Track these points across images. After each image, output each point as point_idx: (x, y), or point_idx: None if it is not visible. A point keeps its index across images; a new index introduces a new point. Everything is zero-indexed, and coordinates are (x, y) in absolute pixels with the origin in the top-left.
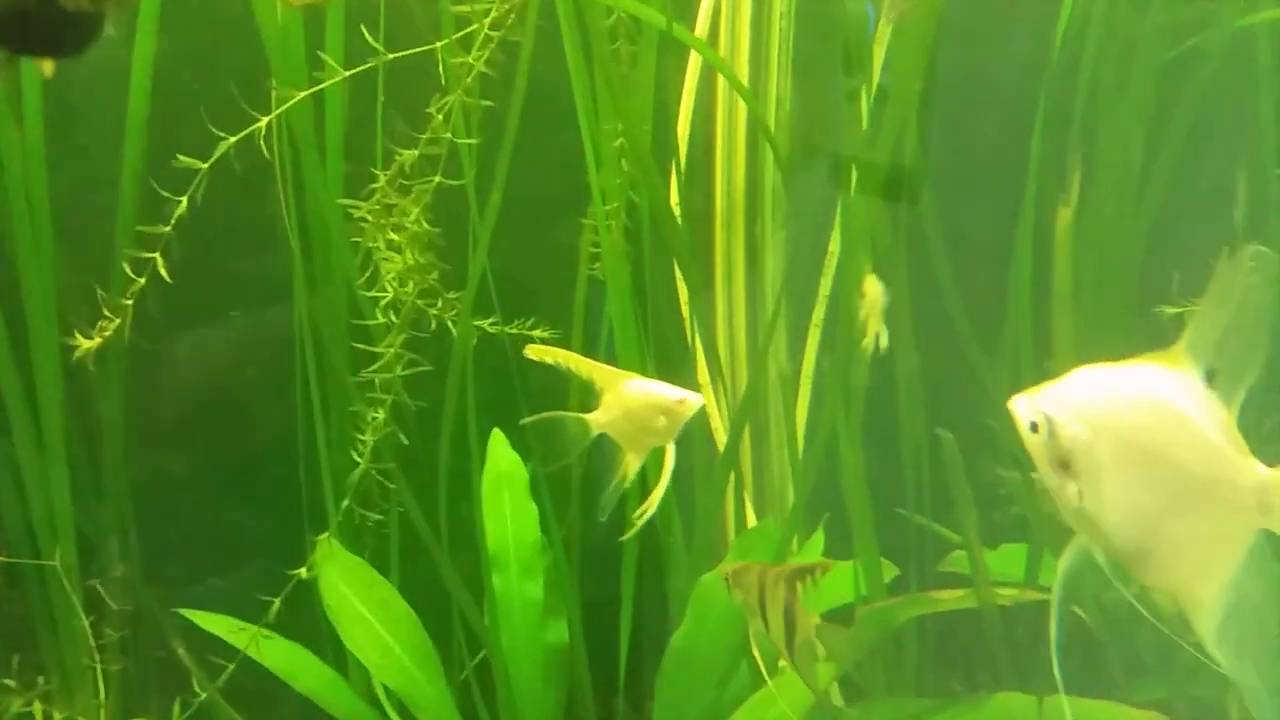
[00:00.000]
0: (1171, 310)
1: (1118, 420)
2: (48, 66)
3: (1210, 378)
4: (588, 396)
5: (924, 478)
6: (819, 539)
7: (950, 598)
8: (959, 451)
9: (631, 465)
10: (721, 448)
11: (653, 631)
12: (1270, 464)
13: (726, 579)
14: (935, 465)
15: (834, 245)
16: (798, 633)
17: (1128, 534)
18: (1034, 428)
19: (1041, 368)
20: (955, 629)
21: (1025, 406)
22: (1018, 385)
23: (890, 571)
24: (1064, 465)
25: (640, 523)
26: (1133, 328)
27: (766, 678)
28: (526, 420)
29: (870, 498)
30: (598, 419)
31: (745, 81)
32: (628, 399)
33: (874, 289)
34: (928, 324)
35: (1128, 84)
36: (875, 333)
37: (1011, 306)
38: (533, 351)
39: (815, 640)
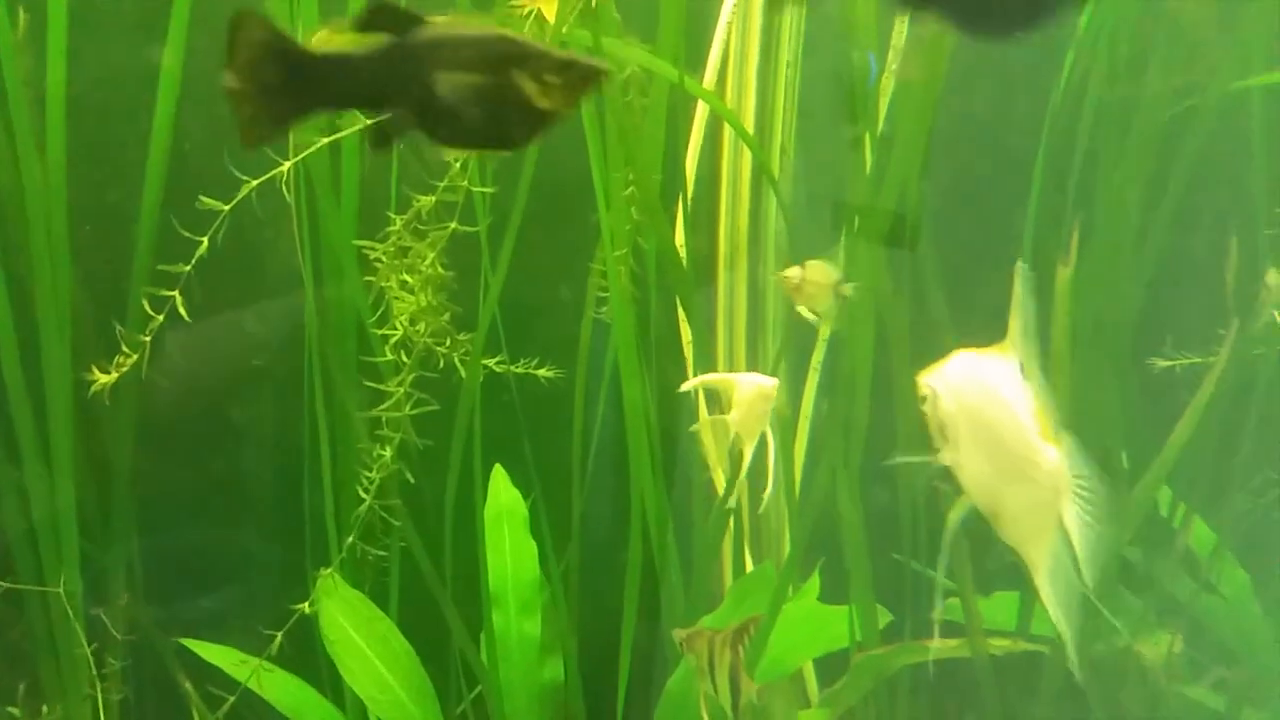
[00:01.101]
0: (1163, 363)
1: (971, 400)
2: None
3: (1022, 369)
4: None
5: (919, 522)
6: (814, 583)
7: (945, 647)
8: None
9: (748, 452)
10: (720, 490)
11: (646, 673)
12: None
13: (680, 643)
14: (931, 510)
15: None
16: (741, 695)
17: (981, 497)
18: (924, 399)
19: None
20: (949, 675)
21: (923, 381)
22: None
23: (885, 617)
24: (942, 433)
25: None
26: (1127, 382)
27: None
28: (693, 427)
29: (867, 543)
30: (731, 417)
31: (751, 128)
32: (740, 394)
33: (823, 274)
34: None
35: (1125, 144)
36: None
37: None
38: (689, 385)
39: (757, 703)
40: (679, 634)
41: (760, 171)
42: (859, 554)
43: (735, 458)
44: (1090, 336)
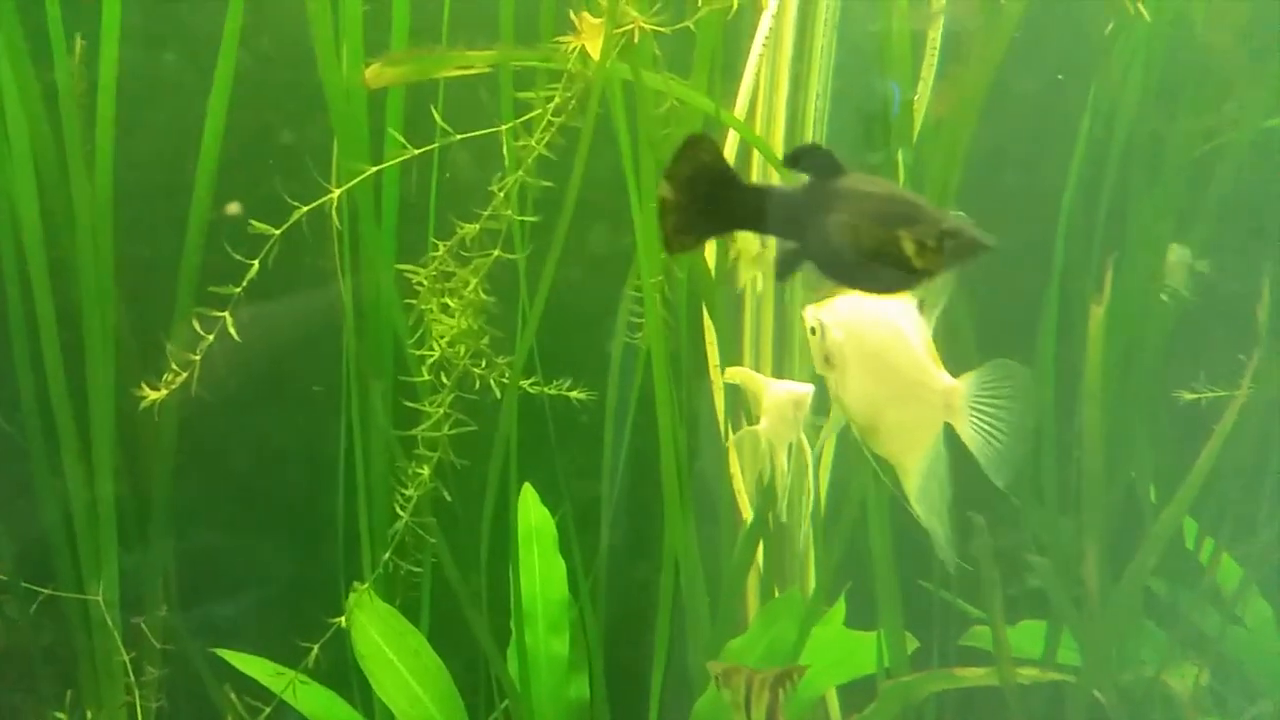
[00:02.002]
0: (1189, 396)
1: (862, 332)
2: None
3: (920, 305)
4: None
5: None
6: (840, 609)
7: (973, 675)
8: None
9: (780, 460)
10: (746, 515)
11: (673, 694)
12: None
13: (716, 678)
14: (962, 538)
15: None
16: None
17: (863, 414)
18: (813, 331)
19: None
20: (973, 704)
21: (810, 314)
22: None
23: (912, 644)
24: (827, 361)
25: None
26: (1156, 416)
27: None
28: (731, 439)
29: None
30: (761, 426)
31: (780, 154)
32: (770, 399)
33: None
34: None
35: (1157, 180)
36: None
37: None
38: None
39: None
40: (715, 667)
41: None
42: (888, 580)
43: (768, 468)
44: (1120, 370)
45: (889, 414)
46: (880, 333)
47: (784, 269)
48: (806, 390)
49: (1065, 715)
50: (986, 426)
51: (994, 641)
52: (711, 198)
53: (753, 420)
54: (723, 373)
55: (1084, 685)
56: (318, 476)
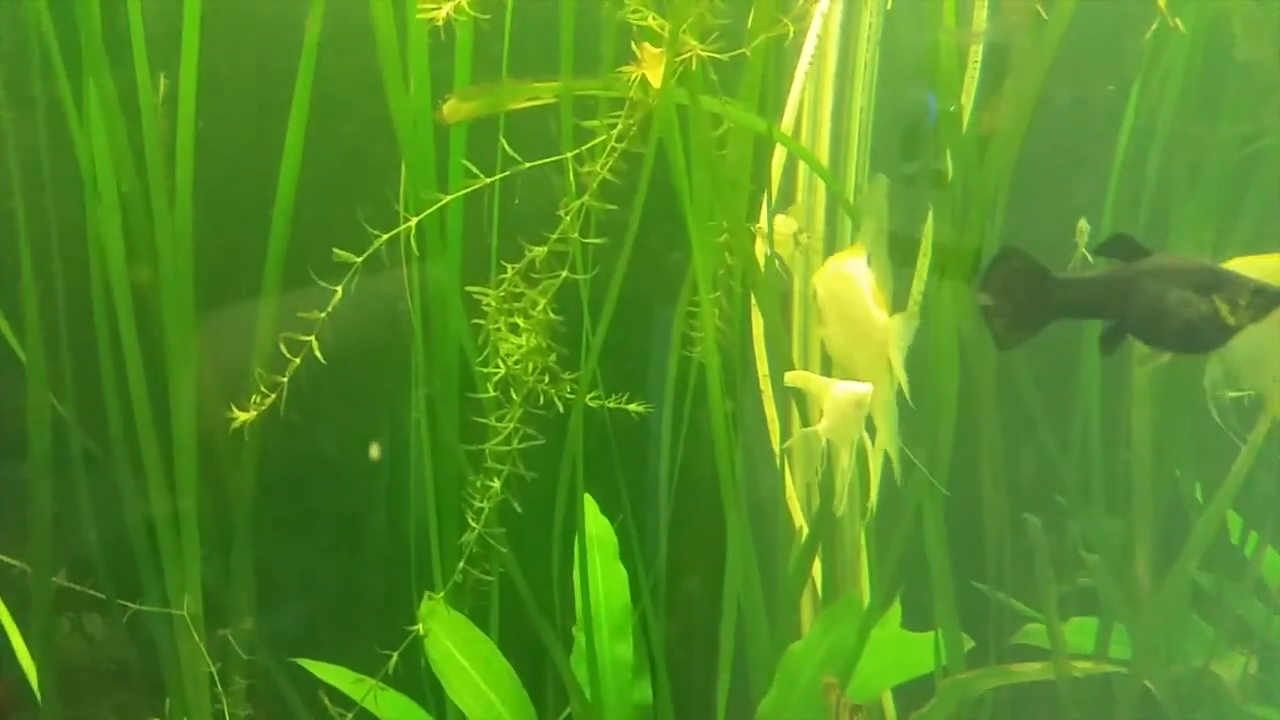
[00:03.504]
0: (1232, 394)
1: (834, 288)
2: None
3: (868, 261)
4: None
5: (1004, 552)
6: (896, 611)
7: (1030, 670)
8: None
9: (843, 459)
10: (797, 521)
11: (735, 697)
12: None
13: (825, 686)
14: (1015, 538)
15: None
16: None
17: (840, 358)
18: (813, 295)
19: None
20: (1027, 699)
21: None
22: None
23: (967, 643)
24: (820, 317)
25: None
26: (1202, 414)
27: None
28: (786, 445)
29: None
30: (821, 427)
31: (825, 164)
32: (832, 400)
33: (784, 225)
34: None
35: (1198, 183)
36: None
37: (1081, 394)
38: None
39: None
40: (828, 680)
41: (838, 206)
42: (944, 581)
43: (821, 470)
44: (1165, 371)
45: (857, 354)
46: (842, 286)
47: (1110, 345)
48: (866, 389)
49: (1115, 708)
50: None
51: (1050, 635)
52: (1032, 295)
53: (807, 424)
54: (770, 382)
55: (1135, 677)
56: (392, 489)
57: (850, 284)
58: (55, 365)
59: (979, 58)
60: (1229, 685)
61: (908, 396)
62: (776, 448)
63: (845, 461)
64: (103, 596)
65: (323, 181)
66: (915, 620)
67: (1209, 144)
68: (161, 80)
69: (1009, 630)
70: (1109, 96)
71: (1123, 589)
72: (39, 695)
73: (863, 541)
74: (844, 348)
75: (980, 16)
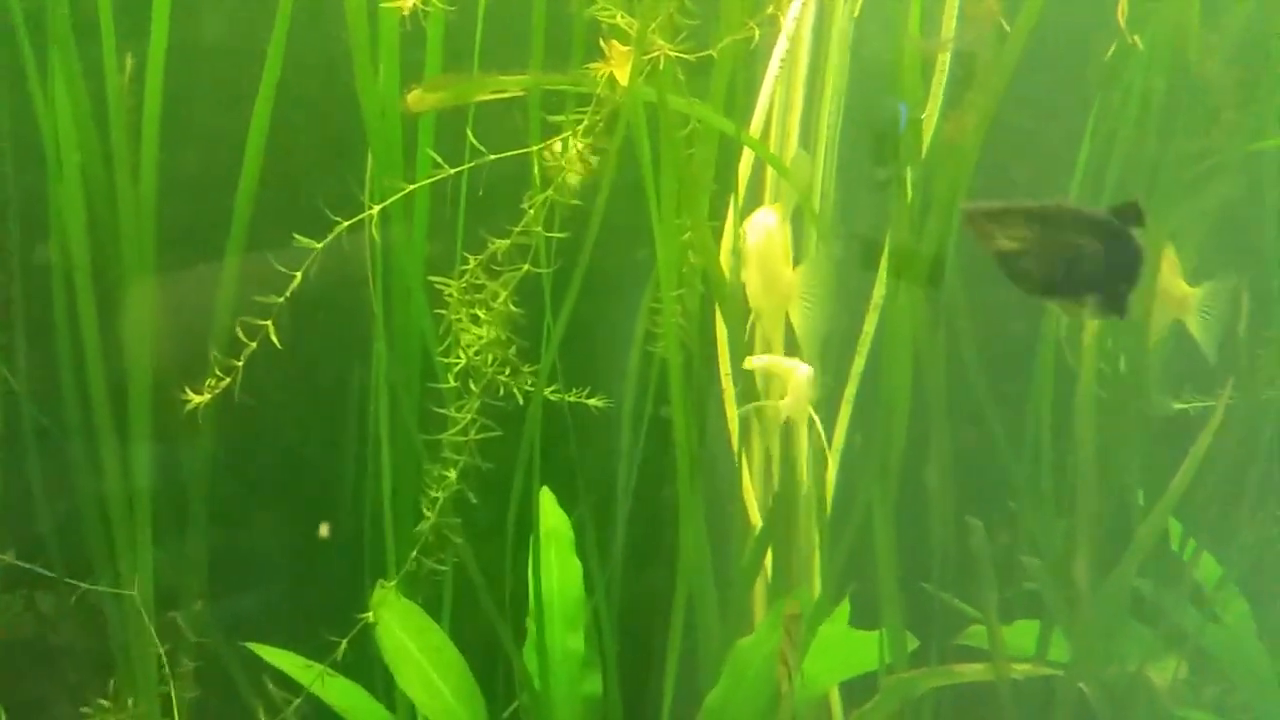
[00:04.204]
0: (1178, 405)
1: (754, 238)
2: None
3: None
4: None
5: (950, 553)
6: (845, 609)
7: (970, 670)
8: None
9: (803, 434)
10: (753, 517)
11: (684, 690)
12: None
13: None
14: (961, 540)
15: (868, 325)
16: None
17: (755, 302)
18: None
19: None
20: (967, 699)
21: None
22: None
23: (911, 643)
24: (744, 262)
25: None
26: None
27: None
28: (742, 410)
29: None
30: (785, 403)
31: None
32: (796, 379)
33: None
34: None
35: (1151, 198)
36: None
37: (1033, 397)
38: (754, 362)
39: None
40: (791, 605)
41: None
42: (890, 580)
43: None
44: (1112, 380)
45: (765, 301)
46: (766, 239)
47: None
48: (809, 369)
49: (1055, 710)
50: (810, 306)
51: (989, 637)
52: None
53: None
54: (733, 379)
55: (1071, 679)
56: (348, 477)
57: (769, 235)
58: (9, 339)
59: (946, 67)
60: (1160, 689)
61: (802, 347)
62: (735, 444)
63: (803, 437)
64: (51, 575)
65: (290, 165)
66: (863, 619)
67: (1164, 159)
68: (128, 59)
69: (954, 631)
70: (1070, 107)
71: (1063, 592)
72: None
73: (816, 539)
74: (757, 292)
75: (949, 26)
